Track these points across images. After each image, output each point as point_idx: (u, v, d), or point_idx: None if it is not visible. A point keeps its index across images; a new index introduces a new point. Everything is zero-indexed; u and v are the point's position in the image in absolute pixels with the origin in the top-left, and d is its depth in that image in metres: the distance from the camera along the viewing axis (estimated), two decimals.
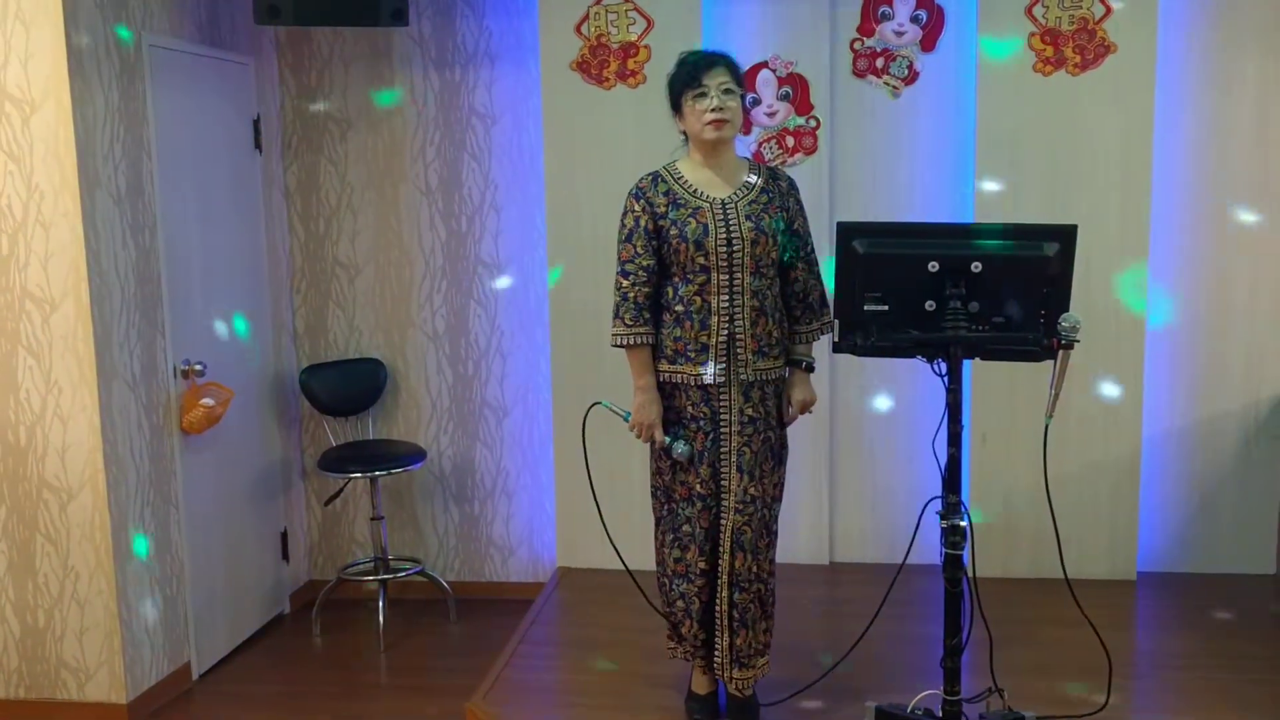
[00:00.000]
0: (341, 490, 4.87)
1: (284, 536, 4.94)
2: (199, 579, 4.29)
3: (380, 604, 4.65)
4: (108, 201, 3.80)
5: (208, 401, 4.18)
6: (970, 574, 3.23)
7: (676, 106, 3.41)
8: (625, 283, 3.39)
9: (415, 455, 4.74)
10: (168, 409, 4.11)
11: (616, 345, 3.41)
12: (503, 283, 4.90)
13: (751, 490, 3.37)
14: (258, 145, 4.74)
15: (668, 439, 3.39)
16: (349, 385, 4.87)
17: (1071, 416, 4.51)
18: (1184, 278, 4.61)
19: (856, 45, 4.59)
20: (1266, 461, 4.64)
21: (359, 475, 4.63)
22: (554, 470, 4.89)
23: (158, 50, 4.06)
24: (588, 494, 4.81)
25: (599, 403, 3.58)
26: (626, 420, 3.44)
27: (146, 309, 4.00)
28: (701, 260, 3.32)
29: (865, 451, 4.84)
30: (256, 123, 4.72)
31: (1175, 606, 4.41)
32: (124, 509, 3.87)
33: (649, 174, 3.45)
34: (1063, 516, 4.54)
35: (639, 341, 3.38)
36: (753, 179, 3.41)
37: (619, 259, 3.41)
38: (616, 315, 3.41)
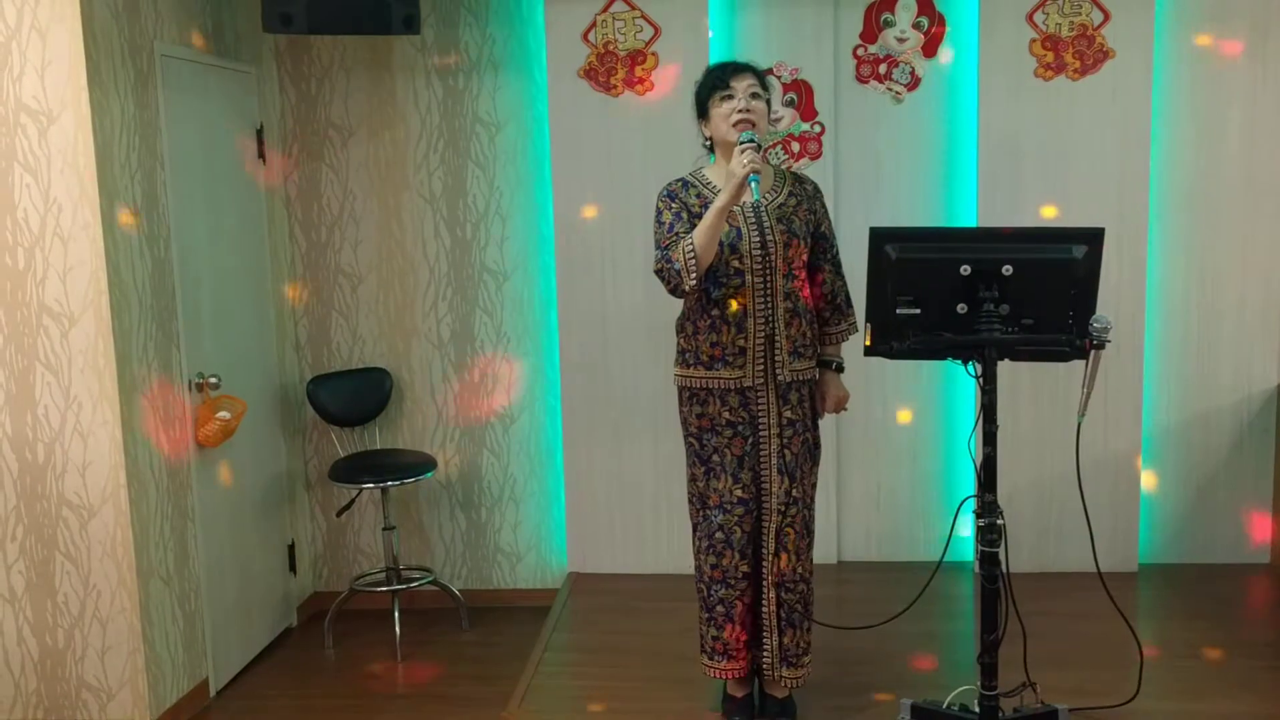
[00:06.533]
0: (354, 501, 4.83)
1: (291, 549, 4.89)
2: (214, 594, 4.23)
3: (394, 614, 4.62)
4: (126, 213, 3.74)
5: (224, 415, 4.13)
6: (1004, 570, 3.30)
7: (703, 112, 3.44)
8: (669, 253, 3.30)
9: (426, 464, 4.72)
10: (183, 423, 4.05)
11: (692, 266, 3.24)
12: (509, 289, 4.90)
13: (794, 492, 3.42)
14: (261, 154, 4.68)
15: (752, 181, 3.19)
16: (357, 395, 4.82)
17: (1072, 413, 4.59)
18: (1178, 274, 4.74)
19: (860, 51, 4.66)
20: (1259, 454, 4.78)
21: (371, 485, 4.60)
22: (564, 476, 4.90)
23: (168, 59, 4.00)
24: (598, 499, 4.88)
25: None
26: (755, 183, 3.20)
27: (162, 321, 3.94)
28: (736, 264, 3.35)
29: (870, 453, 4.90)
30: (260, 132, 4.67)
31: (1180, 597, 4.52)
32: (146, 525, 3.81)
33: (677, 179, 3.48)
34: (1065, 511, 4.68)
35: (689, 245, 3.23)
36: (779, 183, 3.46)
37: (660, 246, 3.33)
38: (671, 259, 3.26)
